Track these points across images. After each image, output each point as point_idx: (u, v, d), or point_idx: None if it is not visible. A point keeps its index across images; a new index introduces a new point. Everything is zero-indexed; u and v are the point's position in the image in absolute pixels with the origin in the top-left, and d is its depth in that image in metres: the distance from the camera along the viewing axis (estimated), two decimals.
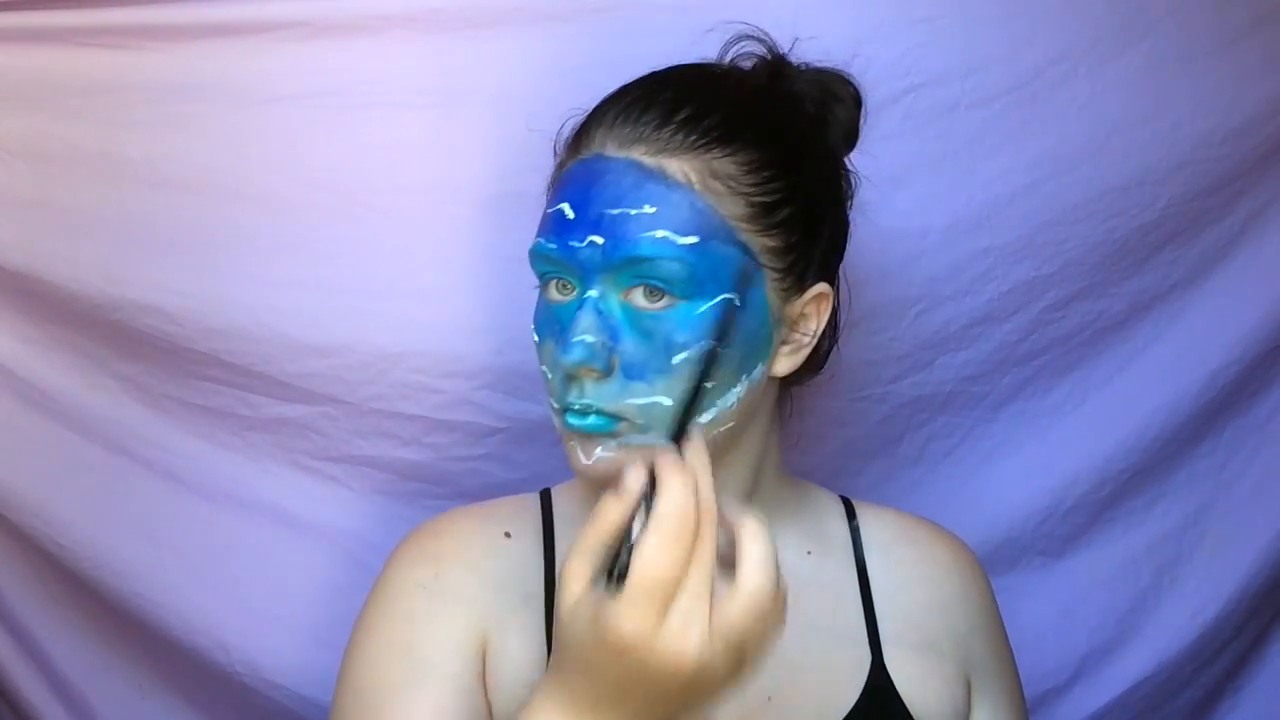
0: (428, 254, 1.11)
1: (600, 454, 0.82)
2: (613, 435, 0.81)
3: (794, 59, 0.92)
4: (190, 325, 1.11)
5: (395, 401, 1.13)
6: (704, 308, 0.80)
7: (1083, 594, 1.27)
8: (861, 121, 0.93)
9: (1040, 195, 1.15)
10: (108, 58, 1.09)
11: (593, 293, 0.81)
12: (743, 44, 0.92)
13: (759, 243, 0.82)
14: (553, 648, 0.70)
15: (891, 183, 0.99)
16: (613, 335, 0.80)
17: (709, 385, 0.79)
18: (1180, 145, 1.17)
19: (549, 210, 0.84)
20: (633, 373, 0.80)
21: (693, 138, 0.81)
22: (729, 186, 0.81)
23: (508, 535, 0.92)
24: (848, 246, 0.92)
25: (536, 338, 0.85)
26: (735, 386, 0.83)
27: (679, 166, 0.81)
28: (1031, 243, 1.16)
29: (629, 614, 0.65)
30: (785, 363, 0.87)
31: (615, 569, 0.65)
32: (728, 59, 0.92)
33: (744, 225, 0.82)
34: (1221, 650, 1.30)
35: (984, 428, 1.23)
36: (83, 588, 1.18)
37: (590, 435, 0.82)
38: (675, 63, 0.89)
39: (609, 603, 0.65)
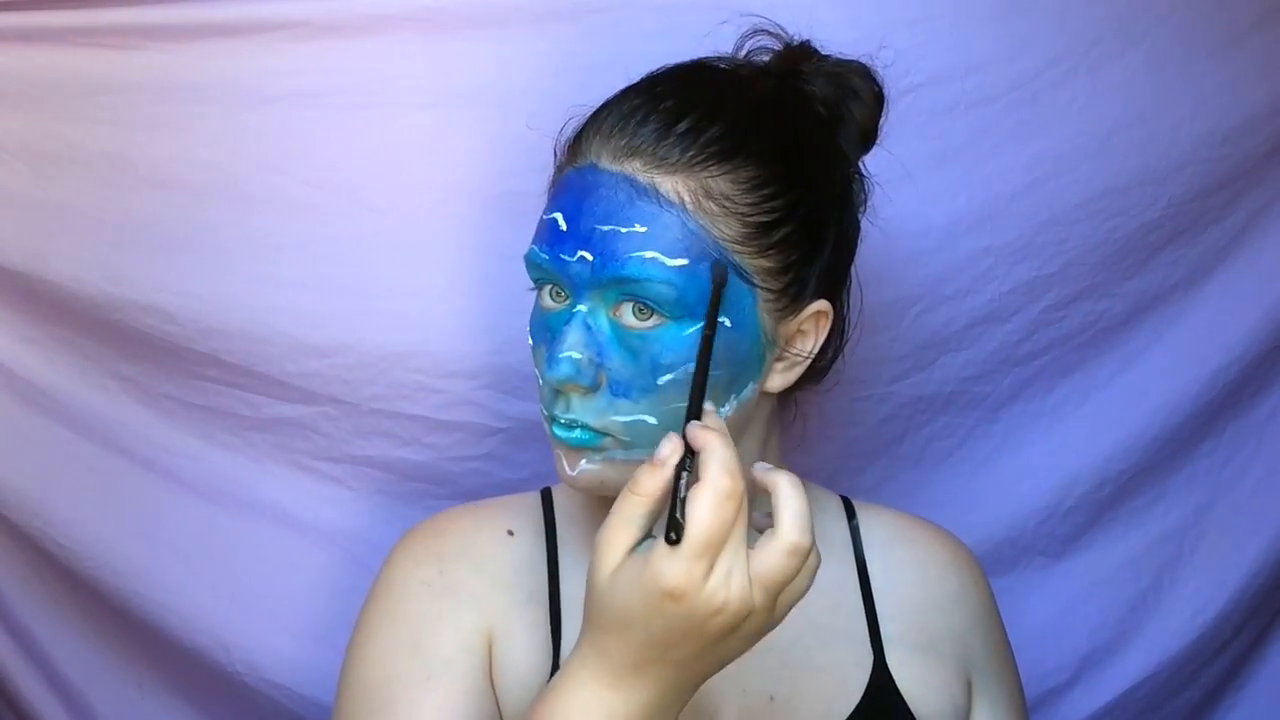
0: (428, 254, 1.11)
1: (585, 466, 0.82)
2: (597, 450, 0.81)
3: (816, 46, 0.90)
4: (190, 325, 1.11)
5: (395, 401, 1.13)
6: (691, 330, 0.79)
7: (1083, 594, 1.27)
8: (882, 120, 0.91)
9: (1040, 195, 1.15)
10: (108, 58, 1.09)
11: (582, 307, 0.80)
12: (757, 38, 0.91)
13: (753, 264, 0.81)
14: (586, 619, 0.71)
15: (891, 183, 0.99)
16: (600, 352, 0.80)
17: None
18: (1180, 145, 1.17)
19: (545, 216, 0.83)
20: (619, 390, 0.80)
21: (690, 154, 0.80)
22: (724, 207, 0.80)
23: (510, 533, 0.92)
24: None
25: (531, 341, 0.85)
26: (724, 406, 0.82)
27: (673, 185, 0.79)
28: (1032, 243, 1.16)
29: (683, 568, 0.66)
30: (779, 379, 0.86)
31: (669, 531, 0.67)
32: (743, 53, 0.91)
33: (738, 247, 0.80)
34: (1221, 650, 1.30)
35: (985, 428, 1.23)
36: (83, 588, 1.18)
37: (575, 448, 0.82)
38: (675, 63, 0.88)
39: (659, 560, 0.66)
